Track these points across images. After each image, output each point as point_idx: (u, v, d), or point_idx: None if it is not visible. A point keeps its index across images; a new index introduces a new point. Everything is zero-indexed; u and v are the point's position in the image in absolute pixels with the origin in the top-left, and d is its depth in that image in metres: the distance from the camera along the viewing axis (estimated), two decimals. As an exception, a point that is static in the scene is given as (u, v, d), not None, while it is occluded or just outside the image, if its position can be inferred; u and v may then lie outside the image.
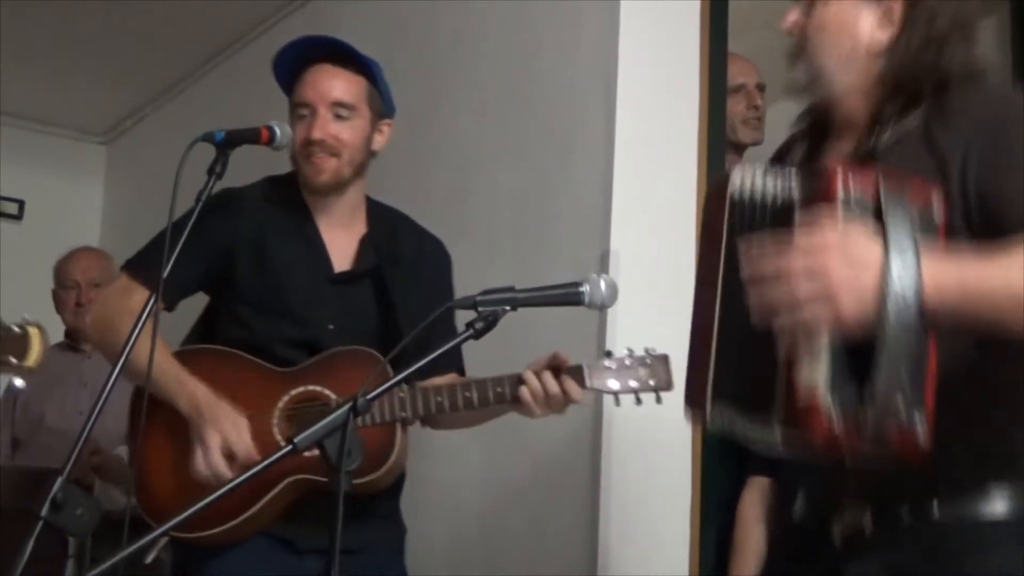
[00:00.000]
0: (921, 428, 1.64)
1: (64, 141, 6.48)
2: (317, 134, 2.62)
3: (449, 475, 3.56)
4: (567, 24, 3.56)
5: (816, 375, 1.64)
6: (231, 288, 2.64)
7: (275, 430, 2.54)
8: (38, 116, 6.33)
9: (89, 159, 6.52)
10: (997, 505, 1.74)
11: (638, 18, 3.40)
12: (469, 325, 1.95)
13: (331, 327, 2.63)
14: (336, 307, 2.66)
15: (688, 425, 2.78)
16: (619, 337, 3.15)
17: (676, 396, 2.26)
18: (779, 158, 2.09)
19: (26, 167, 6.26)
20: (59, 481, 1.94)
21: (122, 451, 3.87)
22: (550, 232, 3.46)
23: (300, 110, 2.66)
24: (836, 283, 1.60)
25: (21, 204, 6.26)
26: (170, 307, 2.63)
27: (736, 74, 3.61)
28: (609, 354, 2.48)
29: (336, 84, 2.66)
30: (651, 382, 2.45)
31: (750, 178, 1.82)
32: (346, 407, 1.77)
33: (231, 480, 2.37)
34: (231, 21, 5.16)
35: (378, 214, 2.78)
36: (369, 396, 1.81)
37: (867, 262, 1.62)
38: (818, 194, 1.71)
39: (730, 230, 1.82)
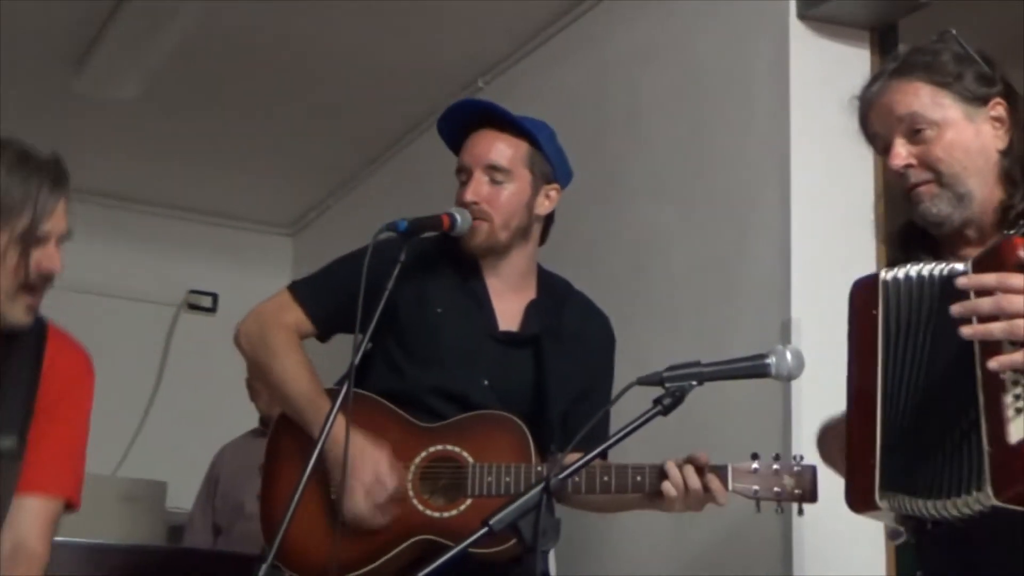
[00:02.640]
0: None
1: (253, 235, 6.73)
2: (469, 196, 2.65)
3: (636, 545, 3.54)
4: (738, 99, 3.58)
5: None
6: (389, 331, 2.62)
7: (409, 487, 2.52)
8: (228, 212, 6.60)
9: (277, 251, 6.75)
10: None
11: (809, 89, 3.40)
12: (657, 401, 1.96)
13: (486, 383, 2.63)
14: (494, 364, 2.66)
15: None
16: (804, 407, 3.11)
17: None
18: None
19: (218, 262, 6.54)
20: (263, 568, 2.02)
21: None
22: (729, 305, 3.45)
23: (460, 175, 2.72)
24: None
25: (215, 297, 6.53)
26: (324, 337, 2.72)
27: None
28: (756, 456, 2.43)
29: (492, 148, 2.68)
30: (796, 491, 2.40)
31: (901, 270, 1.92)
32: (539, 487, 1.79)
33: (379, 520, 2.42)
34: (407, 109, 5.28)
35: (548, 283, 2.79)
36: (561, 476, 1.83)
37: None
38: (999, 259, 1.76)
39: (886, 318, 1.91)
